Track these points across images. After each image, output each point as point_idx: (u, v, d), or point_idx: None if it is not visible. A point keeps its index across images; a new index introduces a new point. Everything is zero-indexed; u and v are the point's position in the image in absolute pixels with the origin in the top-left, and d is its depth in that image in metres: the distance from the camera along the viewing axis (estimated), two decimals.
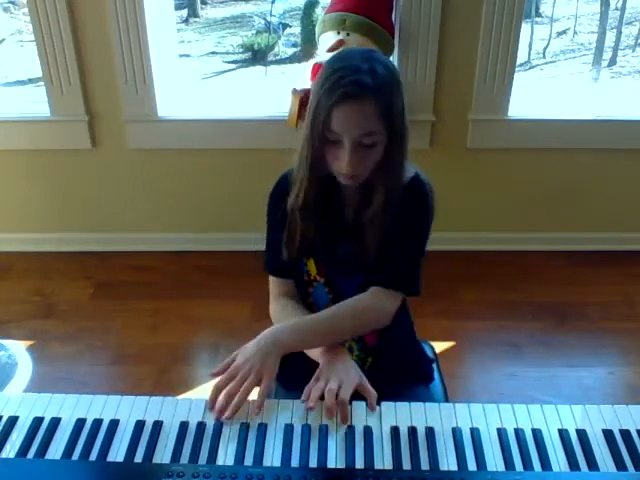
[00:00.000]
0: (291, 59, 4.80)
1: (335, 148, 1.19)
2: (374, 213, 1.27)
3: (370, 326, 1.35)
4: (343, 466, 1.06)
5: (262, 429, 1.12)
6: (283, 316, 1.39)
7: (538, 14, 4.98)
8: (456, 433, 1.12)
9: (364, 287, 1.34)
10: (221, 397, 1.15)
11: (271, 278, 1.43)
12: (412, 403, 1.19)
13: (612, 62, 4.67)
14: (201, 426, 1.13)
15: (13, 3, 4.18)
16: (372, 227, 1.28)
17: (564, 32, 5.08)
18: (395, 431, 1.12)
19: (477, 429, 1.13)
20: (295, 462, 1.06)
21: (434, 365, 1.56)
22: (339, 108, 1.14)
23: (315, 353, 1.29)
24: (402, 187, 1.29)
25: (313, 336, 1.27)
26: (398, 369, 1.44)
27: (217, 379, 1.19)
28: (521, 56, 2.94)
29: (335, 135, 1.17)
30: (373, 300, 1.31)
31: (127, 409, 1.17)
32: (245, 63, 4.89)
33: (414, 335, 1.54)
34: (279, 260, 1.37)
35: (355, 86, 1.14)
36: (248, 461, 1.06)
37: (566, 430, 1.12)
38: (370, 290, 1.31)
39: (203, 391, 2.27)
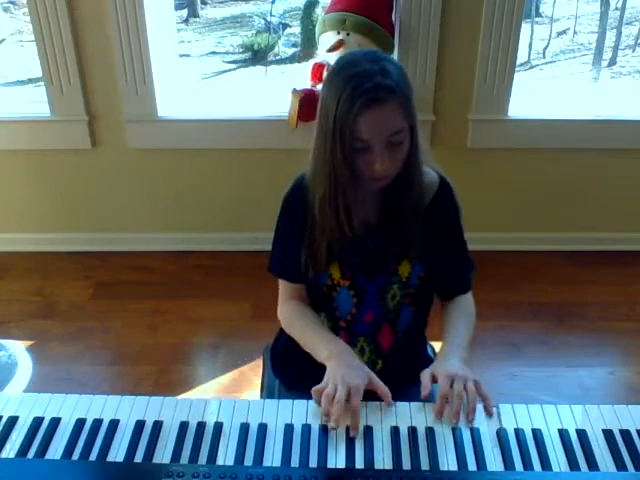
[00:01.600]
0: (291, 59, 4.81)
1: (364, 155, 1.18)
2: (405, 206, 1.29)
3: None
4: (343, 466, 1.06)
5: (262, 429, 1.12)
6: (295, 318, 1.39)
7: (538, 14, 4.98)
8: (456, 433, 1.12)
9: (383, 287, 1.36)
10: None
11: (282, 283, 1.42)
12: (412, 403, 1.19)
13: (612, 62, 4.68)
14: (201, 426, 1.13)
15: (13, 3, 4.18)
16: (405, 219, 1.30)
17: (564, 32, 5.08)
18: (395, 431, 1.12)
19: (477, 429, 1.13)
20: (295, 462, 1.06)
21: None
22: (365, 116, 1.13)
23: (321, 356, 1.28)
24: (434, 189, 1.34)
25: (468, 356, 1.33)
26: (406, 372, 1.44)
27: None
28: (521, 56, 2.95)
29: (364, 143, 1.17)
30: (471, 306, 1.46)
31: (127, 409, 1.17)
32: (245, 63, 4.90)
33: (426, 340, 1.56)
34: (293, 266, 1.36)
35: (376, 90, 1.13)
36: (248, 461, 1.06)
37: (566, 430, 1.12)
38: (459, 300, 1.44)
39: (203, 391, 2.27)
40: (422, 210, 1.32)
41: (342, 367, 1.21)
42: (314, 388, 1.18)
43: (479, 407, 1.17)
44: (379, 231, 1.33)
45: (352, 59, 1.20)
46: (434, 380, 1.21)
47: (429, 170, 1.35)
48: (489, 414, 1.16)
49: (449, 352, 1.29)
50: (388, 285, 1.36)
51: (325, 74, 2.60)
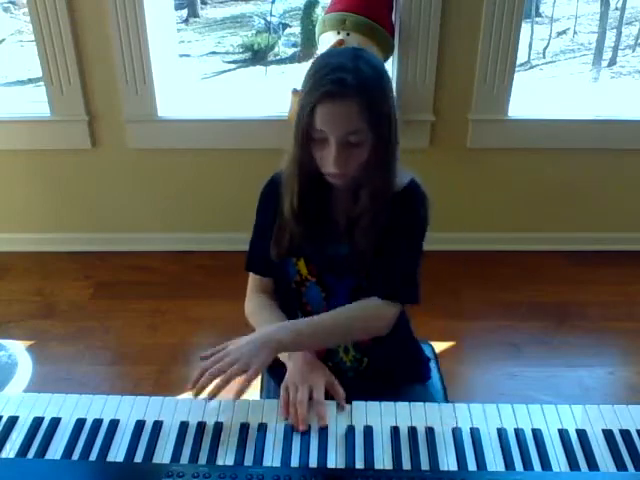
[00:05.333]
0: (291, 59, 4.80)
1: (322, 147, 1.19)
2: (361, 213, 1.27)
3: (368, 334, 1.35)
4: (343, 466, 1.06)
5: (262, 429, 1.12)
6: (258, 311, 1.40)
7: (538, 14, 4.98)
8: (456, 433, 1.12)
9: (355, 289, 1.34)
10: (204, 377, 1.14)
11: (251, 276, 1.44)
12: (412, 403, 1.19)
13: (612, 62, 4.68)
14: (201, 426, 1.13)
15: (13, 3, 4.18)
16: (360, 228, 1.27)
17: (564, 32, 5.08)
18: (395, 431, 1.12)
19: (477, 429, 1.13)
20: (295, 462, 1.06)
21: (431, 364, 1.55)
22: (322, 106, 1.14)
23: (283, 356, 1.30)
24: (394, 191, 1.28)
25: (311, 339, 1.26)
26: (394, 369, 1.44)
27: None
28: (521, 56, 2.94)
29: (320, 133, 1.17)
30: (375, 309, 1.29)
31: (127, 409, 1.17)
32: (245, 63, 4.89)
33: (411, 334, 1.54)
34: (263, 259, 1.37)
35: (336, 85, 1.13)
36: (248, 461, 1.06)
37: (566, 430, 1.12)
38: (371, 298, 1.30)
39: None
40: (381, 225, 1.27)
41: (302, 367, 1.23)
42: (281, 401, 1.18)
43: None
44: (345, 237, 1.31)
45: (333, 52, 1.24)
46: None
47: (404, 175, 1.30)
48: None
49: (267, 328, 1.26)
50: (360, 290, 1.33)
51: None
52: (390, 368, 1.43)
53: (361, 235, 1.27)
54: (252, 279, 1.45)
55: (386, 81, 1.21)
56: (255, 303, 1.43)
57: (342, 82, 1.13)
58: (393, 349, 1.44)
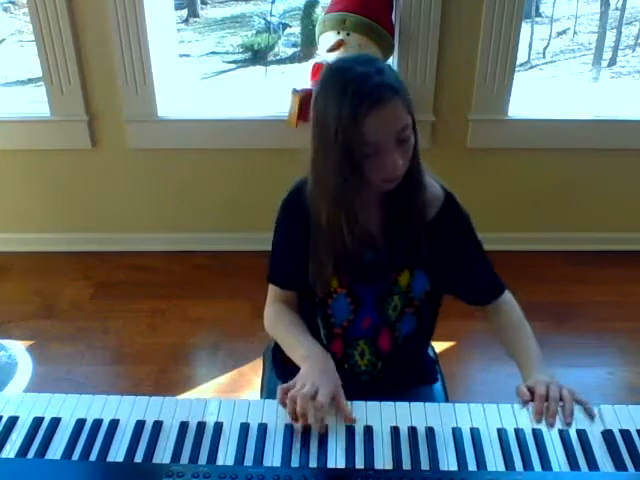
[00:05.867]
0: (291, 59, 4.81)
1: (374, 159, 1.15)
2: (412, 209, 1.27)
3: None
4: (343, 466, 1.06)
5: (262, 429, 1.12)
6: (279, 320, 1.38)
7: (538, 14, 4.98)
8: (456, 433, 1.12)
9: (382, 295, 1.34)
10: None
11: (272, 287, 1.41)
12: (412, 403, 1.19)
13: (612, 62, 4.68)
14: (201, 426, 1.13)
15: (13, 3, 4.18)
16: (411, 226, 1.27)
17: (564, 32, 5.08)
18: (395, 431, 1.12)
19: (477, 429, 1.13)
20: (295, 462, 1.06)
21: (437, 366, 1.56)
22: (371, 117, 1.10)
23: (298, 356, 1.27)
24: (437, 196, 1.32)
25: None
26: (406, 373, 1.44)
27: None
28: (521, 56, 2.94)
29: (373, 147, 1.13)
30: (517, 309, 1.46)
31: (127, 409, 1.17)
32: (245, 63, 4.90)
33: (428, 343, 1.55)
34: (286, 272, 1.36)
35: (379, 90, 1.11)
36: (248, 461, 1.06)
37: (566, 430, 1.12)
38: (503, 305, 1.45)
39: (203, 391, 2.27)
40: (427, 219, 1.29)
41: (315, 371, 1.19)
42: (281, 385, 1.17)
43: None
44: (380, 240, 1.31)
45: (344, 65, 1.17)
46: (531, 392, 1.22)
47: (432, 182, 1.32)
48: (591, 416, 1.17)
49: (534, 369, 1.32)
50: (388, 295, 1.34)
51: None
52: (402, 372, 1.43)
53: (413, 232, 1.28)
54: (273, 290, 1.41)
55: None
56: (275, 312, 1.40)
57: (381, 86, 1.11)
58: (409, 356, 1.44)
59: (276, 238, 1.38)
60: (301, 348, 1.28)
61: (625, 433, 1.12)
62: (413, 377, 1.47)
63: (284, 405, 1.14)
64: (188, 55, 4.63)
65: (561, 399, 1.18)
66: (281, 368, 1.50)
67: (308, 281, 1.32)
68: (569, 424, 1.14)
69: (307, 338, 1.31)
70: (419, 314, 1.40)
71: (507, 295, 1.46)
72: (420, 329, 1.44)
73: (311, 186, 1.25)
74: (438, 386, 1.52)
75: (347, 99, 1.10)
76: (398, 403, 1.19)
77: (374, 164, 1.15)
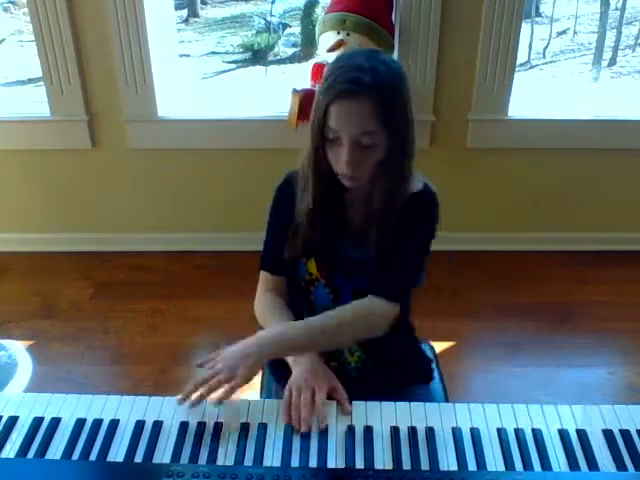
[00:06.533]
0: (291, 59, 4.81)
1: (335, 147, 1.19)
2: (373, 215, 1.27)
3: (368, 333, 1.30)
4: (343, 466, 1.06)
5: (262, 429, 1.12)
6: (267, 311, 1.40)
7: (538, 14, 4.98)
8: (456, 433, 1.12)
9: (364, 291, 1.32)
10: (188, 385, 1.18)
11: (263, 274, 1.44)
12: (412, 403, 1.19)
13: (612, 62, 4.68)
14: (201, 426, 1.13)
15: (13, 3, 4.18)
16: (372, 230, 1.28)
17: (564, 32, 5.09)
18: (395, 431, 1.12)
19: (477, 429, 1.13)
20: (295, 462, 1.07)
21: (433, 365, 1.56)
22: (336, 105, 1.15)
23: (289, 359, 1.31)
24: (408, 195, 1.27)
25: (297, 343, 1.25)
26: (397, 369, 1.44)
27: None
28: (521, 56, 2.94)
29: (334, 132, 1.17)
30: (372, 307, 1.27)
31: (127, 409, 1.17)
32: (245, 63, 4.90)
33: (414, 337, 1.54)
34: (277, 258, 1.37)
35: (352, 83, 1.13)
36: (248, 461, 1.06)
37: (566, 430, 1.12)
38: (369, 298, 1.28)
39: None
40: (393, 224, 1.26)
41: (306, 371, 1.23)
42: (283, 403, 1.19)
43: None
44: (352, 238, 1.32)
45: (350, 54, 1.23)
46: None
47: (416, 181, 1.30)
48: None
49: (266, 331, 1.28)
50: (366, 288, 1.32)
51: None
52: (394, 369, 1.43)
53: (371, 236, 1.28)
54: (264, 278, 1.44)
55: (403, 82, 1.19)
56: (264, 302, 1.42)
57: (357, 81, 1.13)
58: (397, 351, 1.44)
59: (268, 224, 1.41)
60: None
61: (625, 433, 1.12)
62: (406, 375, 1.47)
63: (289, 421, 1.15)
64: (188, 55, 4.63)
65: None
66: (276, 371, 1.50)
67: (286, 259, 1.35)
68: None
69: None
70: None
71: (382, 301, 1.27)
72: (403, 319, 1.41)
73: (300, 172, 1.30)
74: (437, 386, 1.52)
75: (328, 82, 1.17)
76: (398, 403, 1.19)
77: (333, 152, 1.20)
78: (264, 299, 1.42)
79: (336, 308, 1.28)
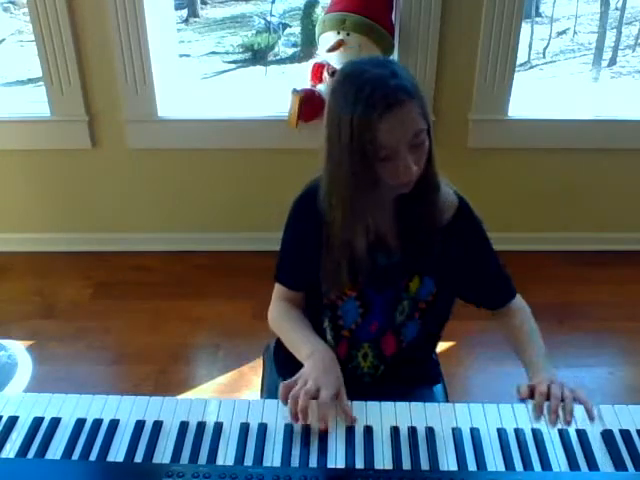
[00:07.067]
0: (291, 59, 4.80)
1: (388, 163, 1.14)
2: (420, 215, 1.26)
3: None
4: (343, 466, 1.06)
5: (262, 429, 1.12)
6: (282, 318, 1.38)
7: (538, 14, 4.98)
8: (456, 433, 1.12)
9: (393, 301, 1.34)
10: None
11: (278, 285, 1.41)
12: (412, 403, 1.19)
13: (612, 62, 4.67)
14: (201, 426, 1.13)
15: (13, 3, 4.18)
16: (424, 230, 1.27)
17: (564, 32, 5.08)
18: (395, 431, 1.12)
19: (477, 429, 1.13)
20: (295, 462, 1.06)
21: (439, 367, 1.56)
22: (386, 121, 1.10)
23: (302, 353, 1.27)
24: (454, 207, 1.32)
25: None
26: (409, 376, 1.44)
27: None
28: (521, 56, 2.94)
29: (388, 150, 1.12)
30: (528, 312, 1.44)
31: (127, 409, 1.17)
32: (245, 63, 4.89)
33: (434, 348, 1.55)
34: (294, 274, 1.37)
35: (395, 93, 1.10)
36: (248, 461, 1.06)
37: (566, 430, 1.12)
38: (510, 307, 1.43)
39: (203, 391, 2.27)
40: (441, 225, 1.29)
41: (318, 369, 1.19)
42: (284, 382, 1.17)
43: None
44: (394, 245, 1.31)
45: (358, 67, 1.15)
46: (532, 391, 1.22)
47: (446, 188, 1.33)
48: (591, 418, 1.16)
49: (540, 369, 1.31)
50: (398, 301, 1.34)
51: (327, 79, 2.60)
52: (405, 375, 1.43)
53: (426, 236, 1.28)
54: (279, 289, 1.41)
55: (413, 75, 1.21)
56: (279, 310, 1.40)
57: (396, 89, 1.10)
58: (413, 361, 1.44)
59: (286, 238, 1.37)
60: (305, 346, 1.27)
61: (625, 433, 1.12)
62: (416, 379, 1.47)
63: (285, 402, 1.14)
64: (188, 55, 4.62)
65: (563, 398, 1.17)
66: (283, 366, 1.49)
67: (316, 283, 1.31)
68: (569, 423, 1.14)
69: (312, 336, 1.31)
70: (424, 318, 1.39)
71: (518, 298, 1.45)
72: (426, 334, 1.43)
73: (325, 189, 1.24)
74: (439, 387, 1.52)
75: (361, 102, 1.10)
76: (398, 403, 1.19)
77: (387, 168, 1.15)
78: (280, 307, 1.40)
79: (514, 327, 1.43)
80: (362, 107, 1.10)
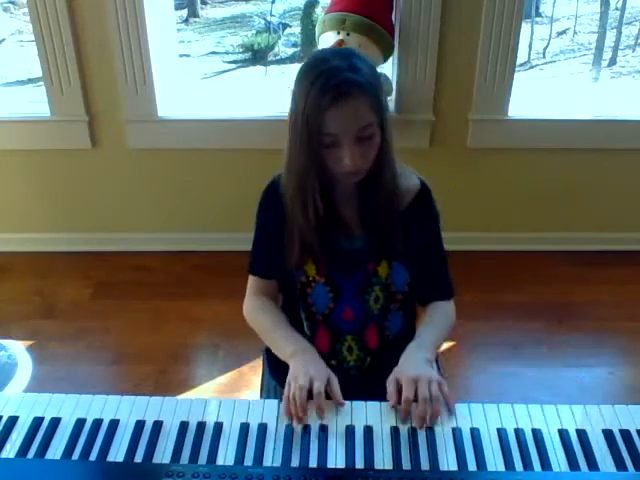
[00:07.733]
0: (291, 59, 4.80)
1: (334, 149, 1.20)
2: (379, 203, 1.30)
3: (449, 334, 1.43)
4: (343, 466, 1.06)
5: (262, 429, 1.12)
6: (258, 314, 1.40)
7: (538, 14, 4.98)
8: (456, 433, 1.12)
9: (362, 284, 1.36)
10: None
11: (252, 278, 1.45)
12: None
13: (612, 62, 4.68)
14: (201, 426, 1.13)
15: (13, 3, 4.18)
16: (380, 217, 1.30)
17: (564, 32, 5.08)
18: (395, 431, 1.12)
19: (477, 429, 1.13)
20: (295, 462, 1.06)
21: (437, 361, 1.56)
22: (333, 111, 1.16)
23: (285, 353, 1.30)
24: (414, 191, 1.34)
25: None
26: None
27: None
28: (521, 56, 2.94)
29: (332, 137, 1.19)
30: (449, 312, 1.40)
31: (127, 409, 1.17)
32: (245, 63, 4.89)
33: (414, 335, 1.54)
34: (267, 262, 1.40)
35: (344, 86, 1.15)
36: (248, 461, 1.06)
37: (566, 430, 1.12)
38: (437, 305, 1.39)
39: (203, 391, 2.27)
40: (400, 210, 1.32)
41: (304, 365, 1.22)
42: (284, 400, 1.18)
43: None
44: (358, 231, 1.35)
45: (322, 56, 1.23)
46: (399, 385, 1.19)
47: (410, 174, 1.36)
48: (450, 413, 1.16)
49: (412, 353, 1.28)
50: (369, 286, 1.37)
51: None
52: (394, 366, 1.43)
53: (386, 224, 1.31)
54: (253, 281, 1.45)
55: (375, 70, 1.25)
56: (254, 305, 1.43)
57: (345, 83, 1.16)
58: (397, 351, 1.44)
59: (256, 228, 1.42)
60: (287, 345, 1.30)
61: (625, 433, 1.12)
62: None
63: (290, 419, 1.15)
64: (188, 55, 4.63)
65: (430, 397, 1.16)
66: (275, 369, 1.50)
67: (287, 269, 1.36)
68: (431, 424, 1.13)
69: (292, 334, 1.33)
70: (405, 309, 1.43)
71: (449, 303, 1.42)
72: (411, 326, 1.46)
73: (284, 174, 1.31)
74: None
75: (315, 89, 1.16)
76: None
77: (332, 155, 1.21)
78: (254, 302, 1.43)
79: (430, 317, 1.38)
80: (314, 94, 1.16)
